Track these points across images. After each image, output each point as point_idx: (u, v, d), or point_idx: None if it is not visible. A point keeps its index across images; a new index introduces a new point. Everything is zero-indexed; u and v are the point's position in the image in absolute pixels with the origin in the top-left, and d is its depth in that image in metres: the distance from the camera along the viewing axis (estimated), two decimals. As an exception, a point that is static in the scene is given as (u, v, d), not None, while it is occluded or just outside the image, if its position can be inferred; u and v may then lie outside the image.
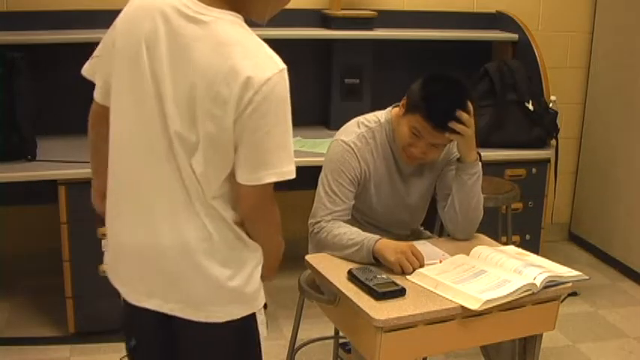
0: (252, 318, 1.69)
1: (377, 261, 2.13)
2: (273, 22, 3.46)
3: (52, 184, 2.95)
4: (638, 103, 3.88)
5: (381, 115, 2.37)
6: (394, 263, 2.09)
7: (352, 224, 2.28)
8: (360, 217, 2.37)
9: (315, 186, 2.33)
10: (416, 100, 2.23)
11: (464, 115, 2.19)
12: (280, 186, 1.57)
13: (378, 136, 2.33)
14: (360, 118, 2.38)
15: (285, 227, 2.25)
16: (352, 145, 2.28)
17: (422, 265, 2.10)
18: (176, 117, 1.53)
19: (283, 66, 1.53)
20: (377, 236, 2.17)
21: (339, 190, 2.26)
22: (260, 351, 1.74)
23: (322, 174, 2.32)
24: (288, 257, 2.37)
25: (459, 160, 2.33)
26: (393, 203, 2.38)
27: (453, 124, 2.19)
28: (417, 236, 2.49)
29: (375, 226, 2.34)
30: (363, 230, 2.22)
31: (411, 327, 1.88)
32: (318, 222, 2.26)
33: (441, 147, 2.28)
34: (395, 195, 2.37)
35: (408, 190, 2.40)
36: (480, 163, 2.33)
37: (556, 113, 3.60)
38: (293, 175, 1.57)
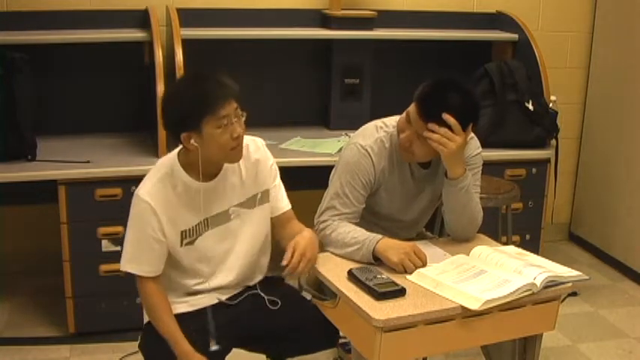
0: None
1: (377, 261, 2.13)
2: (274, 23, 3.47)
3: (51, 184, 2.95)
4: (638, 103, 3.88)
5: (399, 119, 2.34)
6: (397, 264, 2.09)
7: (360, 223, 2.28)
8: (368, 217, 2.36)
9: (315, 186, 2.32)
10: (421, 87, 2.20)
11: (450, 119, 2.11)
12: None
13: (395, 140, 2.29)
14: (379, 122, 2.34)
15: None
16: (369, 150, 2.26)
17: (425, 265, 2.10)
18: None
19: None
20: (379, 236, 2.16)
21: (351, 194, 2.25)
22: None
23: (335, 175, 2.30)
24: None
25: (445, 174, 2.27)
26: (403, 207, 2.37)
27: (432, 126, 2.13)
28: (420, 238, 2.48)
29: (382, 227, 2.33)
30: (369, 231, 2.20)
31: (410, 327, 1.88)
32: (325, 220, 2.26)
33: (425, 144, 2.18)
34: (406, 199, 2.36)
35: (420, 195, 2.38)
36: (467, 177, 2.25)
37: (556, 113, 3.60)
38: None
